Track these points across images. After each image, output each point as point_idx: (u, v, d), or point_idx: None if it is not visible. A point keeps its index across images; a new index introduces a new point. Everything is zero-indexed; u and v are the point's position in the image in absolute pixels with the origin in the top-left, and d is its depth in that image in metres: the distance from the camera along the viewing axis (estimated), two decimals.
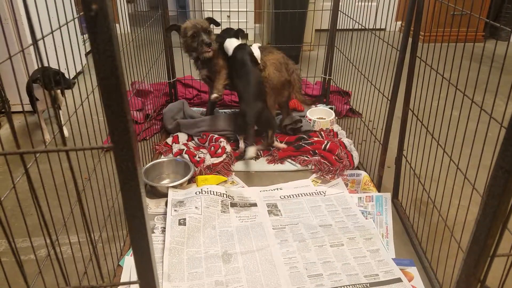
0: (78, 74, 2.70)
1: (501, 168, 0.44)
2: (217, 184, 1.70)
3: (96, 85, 1.23)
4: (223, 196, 1.60)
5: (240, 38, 2.06)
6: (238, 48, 1.97)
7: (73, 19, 1.01)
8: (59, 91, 1.92)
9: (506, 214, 0.47)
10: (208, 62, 2.00)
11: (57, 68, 1.53)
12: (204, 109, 2.38)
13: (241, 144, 1.94)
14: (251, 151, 1.80)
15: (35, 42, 0.42)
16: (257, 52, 1.97)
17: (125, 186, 0.40)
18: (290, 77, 2.00)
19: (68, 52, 1.48)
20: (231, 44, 1.99)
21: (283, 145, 1.96)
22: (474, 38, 1.28)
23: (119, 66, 0.32)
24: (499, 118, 0.93)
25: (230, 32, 2.05)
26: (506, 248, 1.27)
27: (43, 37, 0.83)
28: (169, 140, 2.04)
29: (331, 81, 2.45)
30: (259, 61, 1.96)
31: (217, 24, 2.02)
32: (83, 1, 0.30)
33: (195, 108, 2.36)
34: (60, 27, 0.93)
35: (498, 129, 0.91)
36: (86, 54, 3.15)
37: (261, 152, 1.95)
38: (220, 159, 1.84)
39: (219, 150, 1.88)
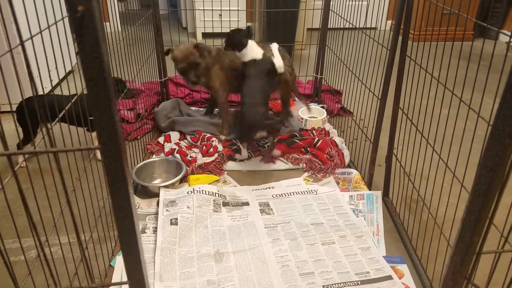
0: (68, 73, 2.67)
1: (485, 166, 0.45)
2: (209, 184, 1.70)
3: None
4: (215, 196, 1.60)
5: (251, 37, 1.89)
6: (261, 60, 1.83)
7: (62, 19, 1.01)
8: None
9: (491, 212, 0.48)
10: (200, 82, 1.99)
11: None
12: (198, 108, 2.38)
13: (244, 152, 1.92)
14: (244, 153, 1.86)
15: (22, 43, 0.42)
16: (278, 61, 1.86)
17: (113, 187, 0.40)
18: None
19: (58, 51, 1.46)
20: (252, 51, 1.83)
21: (279, 153, 1.92)
22: (462, 37, 1.30)
23: (106, 68, 0.32)
24: (487, 116, 0.94)
25: (242, 34, 1.84)
26: (494, 245, 1.29)
27: (31, 37, 0.82)
28: (161, 139, 2.04)
29: (323, 80, 2.46)
30: (281, 70, 1.86)
31: (204, 50, 1.92)
32: (69, 2, 0.30)
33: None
34: (49, 27, 0.92)
35: (486, 127, 0.93)
36: (77, 53, 3.13)
37: (251, 152, 1.95)
38: (212, 158, 1.84)
39: (211, 149, 1.88)
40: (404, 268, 1.31)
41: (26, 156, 1.80)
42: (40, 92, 1.70)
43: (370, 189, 1.67)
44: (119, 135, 0.36)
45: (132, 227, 0.42)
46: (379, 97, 1.53)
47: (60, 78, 2.46)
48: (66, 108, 0.97)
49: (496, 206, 0.50)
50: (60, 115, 0.93)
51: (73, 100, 1.01)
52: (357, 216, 1.53)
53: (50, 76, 2.34)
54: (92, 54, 0.32)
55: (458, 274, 0.53)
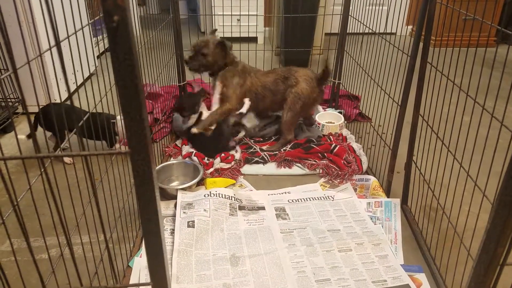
0: (90, 75, 2.74)
1: (511, 177, 0.45)
2: (225, 187, 1.72)
3: (109, 89, 1.25)
4: (232, 199, 1.61)
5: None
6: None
7: (88, 24, 1.04)
8: None
9: None
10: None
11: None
12: None
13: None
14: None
15: (58, 43, 0.43)
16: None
17: (140, 190, 0.41)
18: (320, 89, 2.03)
19: (82, 54, 1.51)
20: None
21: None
22: (486, 44, 1.28)
23: (138, 75, 0.34)
24: (510, 125, 0.92)
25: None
26: None
27: (58, 42, 0.84)
28: (179, 142, 2.06)
29: (341, 85, 2.45)
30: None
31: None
32: (105, 12, 0.31)
33: None
34: (75, 32, 0.95)
35: (510, 136, 0.91)
36: (98, 56, 3.20)
37: (267, 156, 1.95)
38: (229, 165, 1.86)
39: (229, 157, 1.90)
40: (422, 277, 1.29)
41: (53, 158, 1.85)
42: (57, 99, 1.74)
43: (388, 197, 1.66)
44: (148, 140, 0.37)
45: (157, 229, 0.43)
46: (399, 104, 1.52)
47: (80, 83, 2.53)
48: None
49: None
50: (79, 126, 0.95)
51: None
52: (375, 224, 1.52)
53: (77, 78, 2.40)
54: (125, 62, 0.33)
55: (481, 285, 0.53)
